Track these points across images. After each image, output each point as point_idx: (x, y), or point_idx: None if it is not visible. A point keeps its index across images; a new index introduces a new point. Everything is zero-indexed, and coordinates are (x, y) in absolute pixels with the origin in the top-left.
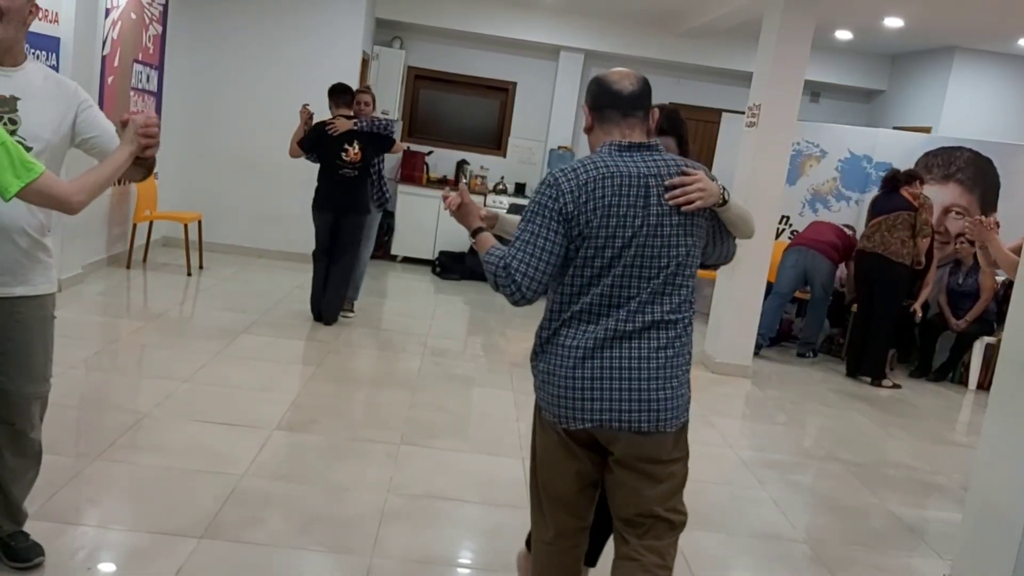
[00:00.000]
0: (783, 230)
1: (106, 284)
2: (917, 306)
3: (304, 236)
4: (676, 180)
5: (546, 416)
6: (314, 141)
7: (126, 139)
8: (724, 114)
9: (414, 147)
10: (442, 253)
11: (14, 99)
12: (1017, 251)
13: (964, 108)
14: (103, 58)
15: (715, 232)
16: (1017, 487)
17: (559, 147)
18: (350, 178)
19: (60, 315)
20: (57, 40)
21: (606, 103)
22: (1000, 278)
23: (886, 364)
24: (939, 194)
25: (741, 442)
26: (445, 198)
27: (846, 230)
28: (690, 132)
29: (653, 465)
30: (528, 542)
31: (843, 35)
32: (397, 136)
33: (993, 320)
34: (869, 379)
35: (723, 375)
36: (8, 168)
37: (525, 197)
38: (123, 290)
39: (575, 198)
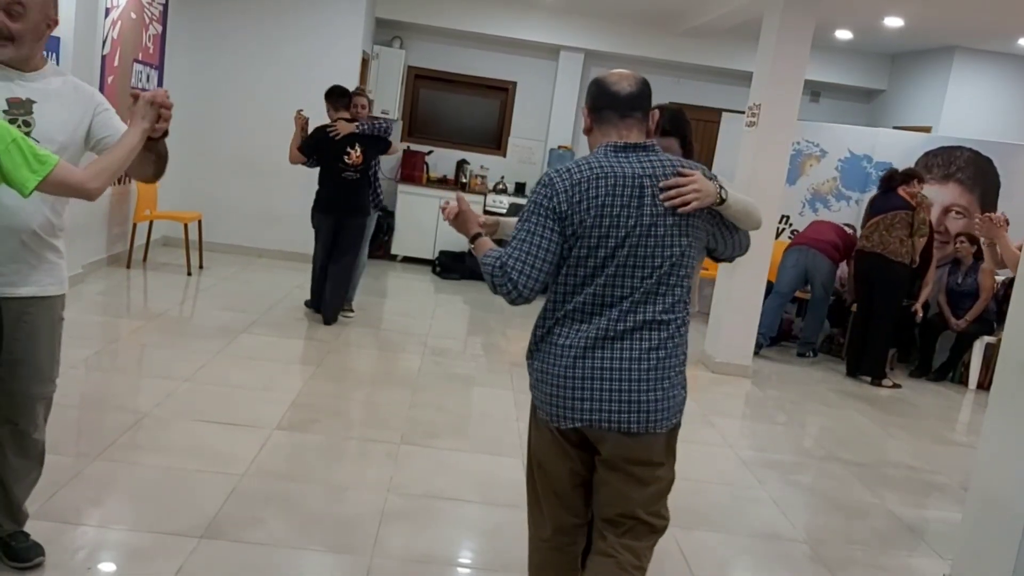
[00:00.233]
0: (783, 230)
1: (106, 284)
2: (918, 306)
3: (304, 236)
4: (671, 181)
5: (540, 414)
6: (315, 146)
7: (137, 116)
8: (724, 114)
9: (414, 147)
10: (442, 253)
11: (30, 102)
12: None
13: (964, 108)
14: (103, 58)
15: (720, 229)
16: (1017, 487)
17: (559, 147)
18: (352, 181)
19: None
20: (57, 40)
21: (604, 104)
22: (1000, 278)
23: (886, 364)
24: (939, 194)
25: (741, 442)
26: (443, 208)
27: (847, 229)
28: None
29: (641, 467)
30: None
31: (843, 35)
32: (397, 137)
33: (993, 320)
34: (869, 379)
35: (723, 375)
36: (23, 164)
37: (525, 197)
38: (123, 290)
39: (569, 197)
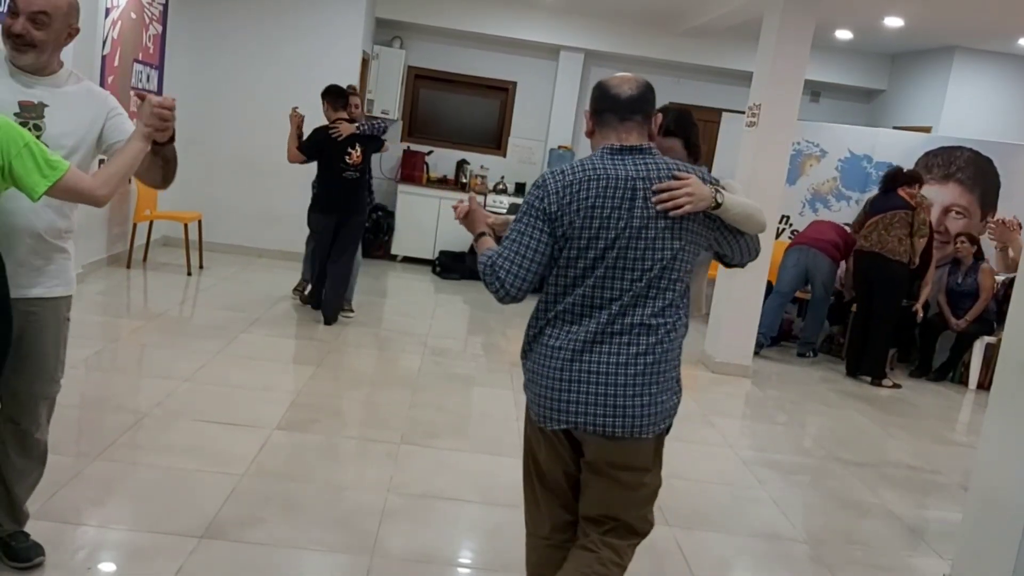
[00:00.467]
0: (783, 230)
1: (106, 284)
2: (919, 306)
3: (304, 236)
4: (664, 184)
5: (531, 414)
6: (317, 146)
7: (141, 120)
8: (724, 114)
9: (414, 147)
10: (442, 253)
11: (42, 105)
12: None
13: (964, 108)
14: (103, 58)
15: (722, 234)
16: (1017, 487)
17: (559, 147)
18: (353, 180)
19: None
20: None
21: (605, 107)
22: (1000, 278)
23: (886, 364)
24: (939, 194)
25: (741, 442)
26: (455, 207)
27: (847, 228)
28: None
29: (625, 472)
30: None
31: (843, 35)
32: (397, 137)
33: (993, 320)
34: (869, 379)
35: (723, 375)
36: (34, 169)
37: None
38: (123, 290)
39: (559, 199)
